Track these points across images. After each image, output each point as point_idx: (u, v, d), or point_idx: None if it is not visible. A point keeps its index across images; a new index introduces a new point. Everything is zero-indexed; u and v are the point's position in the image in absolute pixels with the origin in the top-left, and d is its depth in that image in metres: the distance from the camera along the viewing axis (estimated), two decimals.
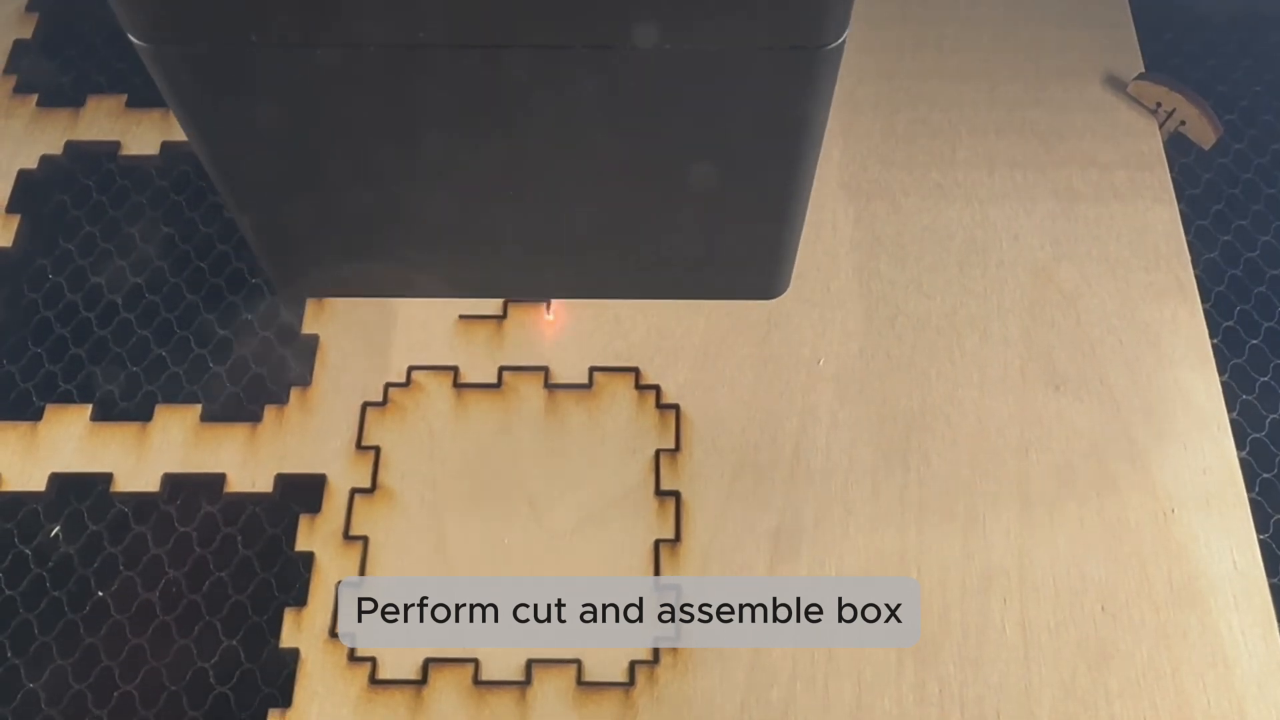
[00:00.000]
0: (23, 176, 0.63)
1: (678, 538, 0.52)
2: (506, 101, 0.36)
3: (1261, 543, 0.53)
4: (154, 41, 0.35)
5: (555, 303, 0.58)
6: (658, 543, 0.52)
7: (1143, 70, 0.66)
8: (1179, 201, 0.62)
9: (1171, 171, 0.63)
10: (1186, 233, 0.61)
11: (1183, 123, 0.64)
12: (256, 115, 0.37)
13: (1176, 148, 0.64)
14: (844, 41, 0.35)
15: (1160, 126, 0.64)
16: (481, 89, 0.36)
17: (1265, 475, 0.55)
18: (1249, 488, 0.54)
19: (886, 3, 0.69)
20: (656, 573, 0.52)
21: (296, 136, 0.38)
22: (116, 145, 0.64)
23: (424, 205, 0.42)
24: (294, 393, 0.57)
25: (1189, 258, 0.60)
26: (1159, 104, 0.64)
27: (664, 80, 0.35)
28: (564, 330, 0.58)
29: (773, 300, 0.58)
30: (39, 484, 0.54)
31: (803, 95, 0.37)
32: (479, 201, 0.42)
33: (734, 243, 0.45)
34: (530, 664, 0.50)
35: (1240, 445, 0.55)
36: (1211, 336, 0.58)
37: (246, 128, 0.38)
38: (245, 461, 0.55)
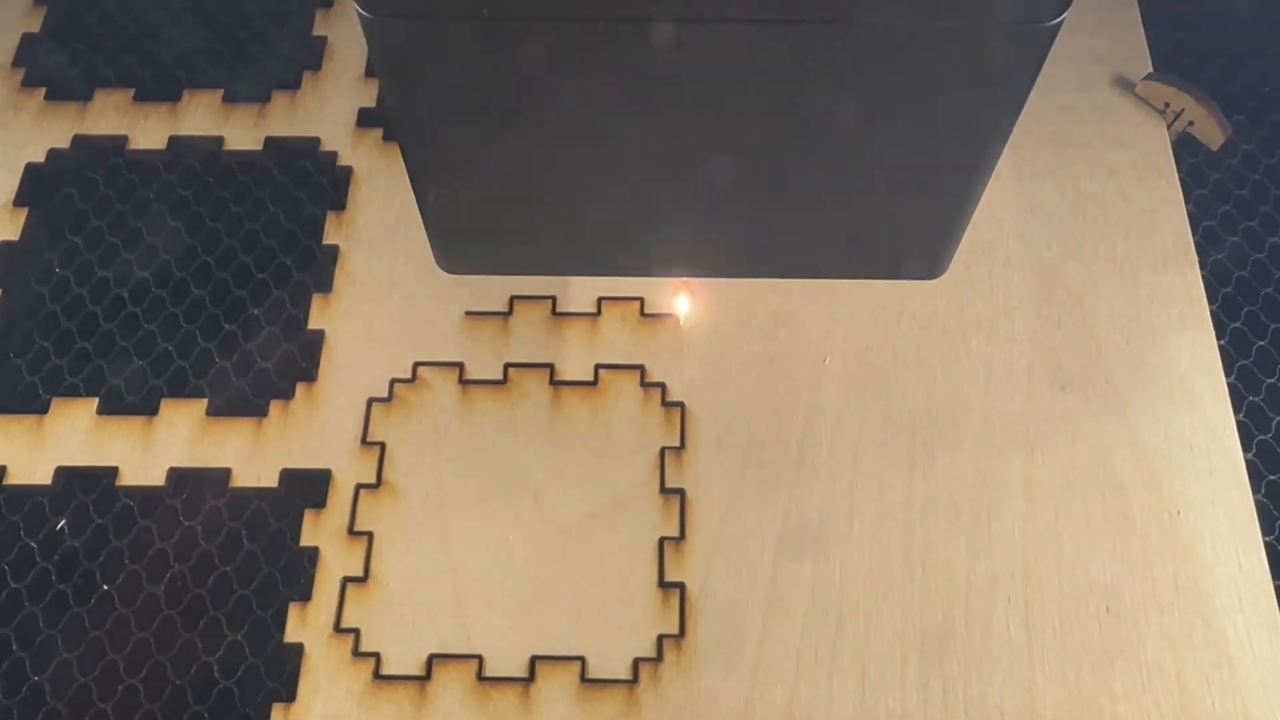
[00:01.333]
0: (30, 170, 0.64)
1: (682, 535, 0.52)
2: (717, 75, 0.37)
3: (1267, 544, 0.52)
4: (378, 12, 0.35)
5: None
6: (662, 540, 0.52)
7: (1151, 70, 0.66)
8: (1187, 202, 0.62)
9: (1179, 172, 0.63)
10: (1194, 233, 0.61)
11: (1191, 123, 0.63)
12: (463, 90, 0.38)
13: (1184, 148, 0.64)
14: (1064, 20, 0.35)
15: (1168, 127, 0.64)
16: (696, 63, 0.36)
17: (1271, 477, 0.55)
18: (1255, 489, 0.54)
19: None
20: (661, 570, 0.52)
21: (496, 113, 0.39)
22: (124, 139, 0.64)
23: (606, 185, 0.43)
24: (300, 388, 0.57)
25: (1196, 258, 0.60)
26: (1167, 104, 0.64)
27: (880, 57, 0.36)
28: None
29: (778, 299, 0.58)
30: (45, 477, 0.54)
31: (1015, 73, 0.37)
32: (660, 180, 0.42)
33: (907, 221, 0.45)
34: (534, 661, 0.50)
35: (1246, 447, 0.55)
36: (1218, 338, 0.58)
37: (449, 102, 0.39)
38: (251, 456, 0.55)
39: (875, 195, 0.43)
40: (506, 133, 0.40)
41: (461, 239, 0.48)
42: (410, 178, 0.44)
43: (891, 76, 0.37)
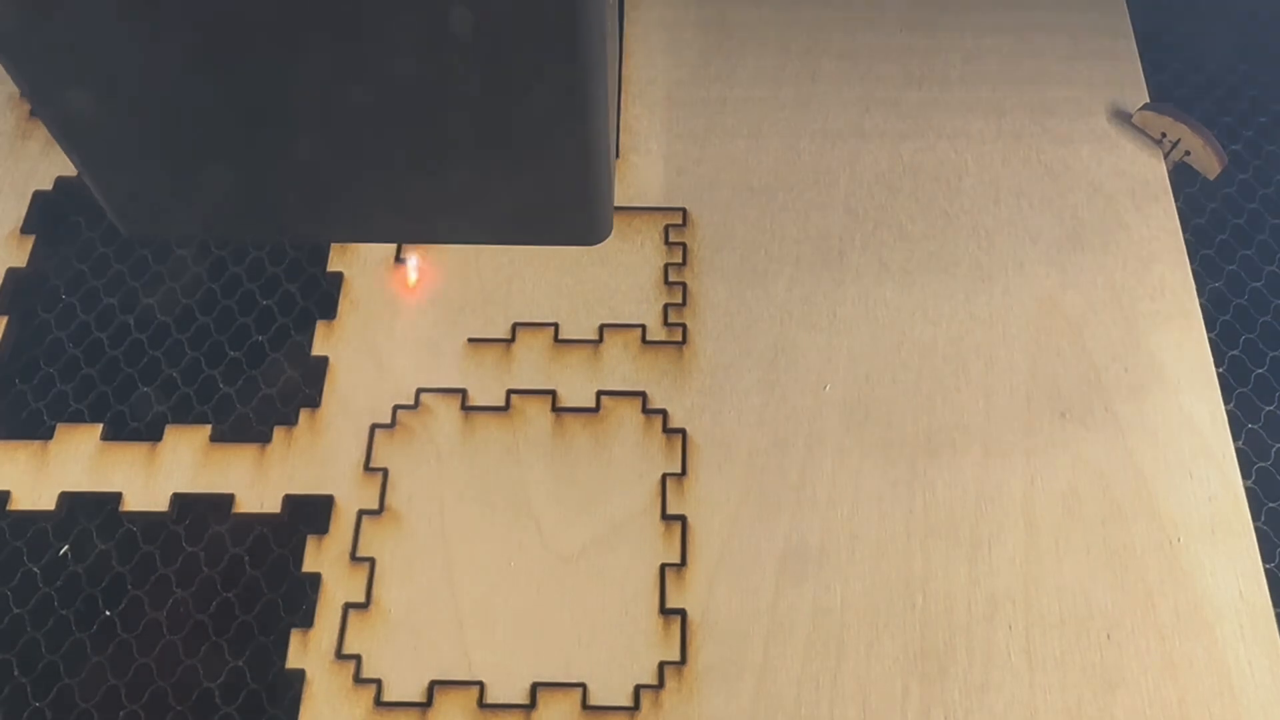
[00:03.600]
0: (38, 198, 0.64)
1: (684, 562, 0.53)
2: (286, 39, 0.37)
3: (1268, 572, 0.53)
4: None
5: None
6: (664, 567, 0.53)
7: (1147, 100, 0.66)
8: (1184, 231, 0.62)
9: (1177, 201, 0.63)
10: (1192, 262, 0.61)
11: (1187, 153, 0.64)
12: (74, 51, 0.38)
13: (1182, 177, 0.65)
14: None
15: (1165, 157, 0.65)
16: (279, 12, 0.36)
17: (1271, 504, 0.55)
18: (1255, 516, 0.54)
19: (893, 35, 0.69)
20: (662, 597, 0.52)
21: (112, 71, 0.39)
22: None
23: (234, 146, 0.42)
24: (303, 414, 0.57)
25: (1194, 287, 0.60)
26: (1164, 134, 0.65)
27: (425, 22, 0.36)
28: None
29: (778, 325, 0.58)
30: (49, 503, 0.55)
31: (554, 29, 0.36)
32: (285, 136, 0.42)
33: (541, 186, 0.45)
34: (535, 687, 0.50)
35: (1246, 474, 0.55)
36: (1217, 365, 0.58)
37: (66, 65, 0.38)
38: (254, 482, 0.55)
39: (493, 159, 0.43)
40: (120, 91, 0.40)
41: (131, 201, 0.46)
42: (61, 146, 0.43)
43: (444, 40, 0.37)
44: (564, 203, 0.46)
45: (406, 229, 0.50)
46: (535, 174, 0.44)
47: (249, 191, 0.45)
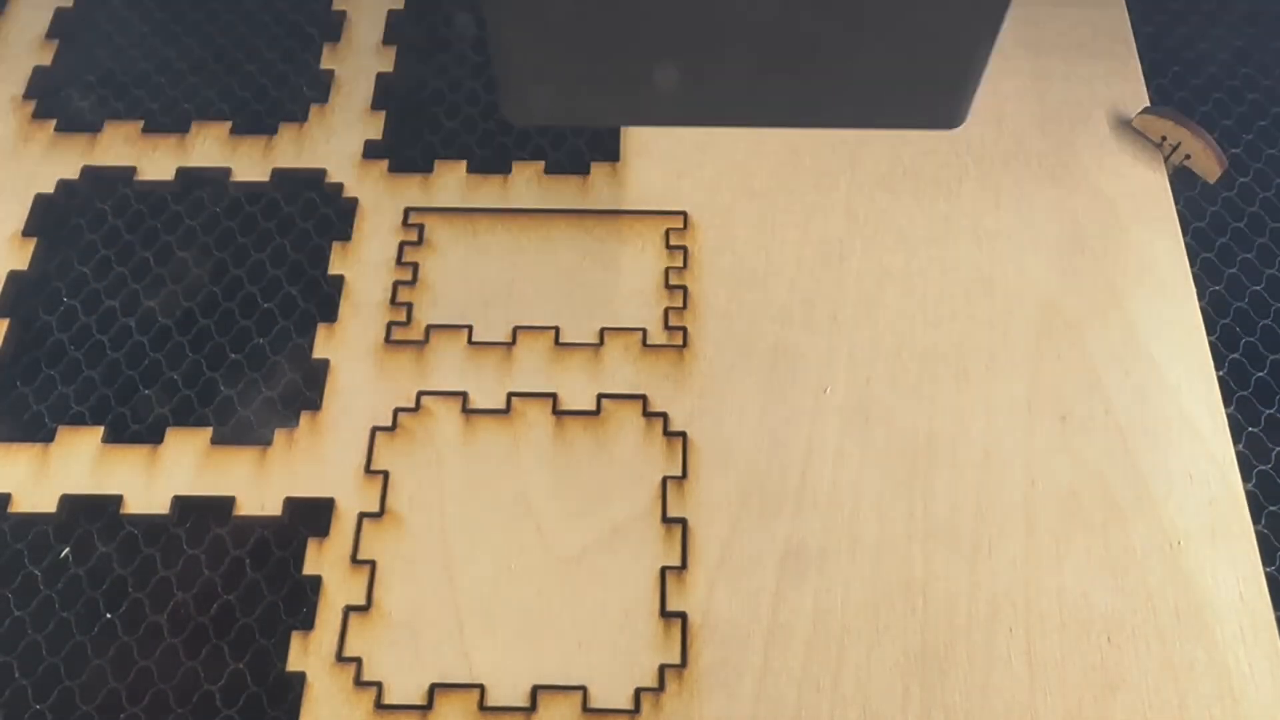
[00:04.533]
0: (40, 201, 0.64)
1: (684, 565, 0.53)
2: None
3: (1268, 575, 0.53)
4: None
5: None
6: (664, 569, 0.53)
7: (1147, 104, 0.67)
8: (1184, 234, 0.62)
9: (1177, 205, 0.63)
10: (1192, 265, 0.61)
11: (1188, 156, 0.64)
12: None
13: (1182, 181, 0.65)
14: None
15: (1165, 160, 0.65)
16: None
17: (1271, 508, 0.55)
18: (1255, 520, 0.54)
19: None
20: (663, 599, 0.52)
21: None
22: (132, 170, 0.65)
23: (671, 27, 0.42)
24: (304, 416, 0.57)
25: (1194, 290, 0.60)
26: (1164, 138, 0.65)
27: None
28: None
29: (779, 328, 0.58)
30: (50, 505, 0.55)
31: None
32: (705, 23, 0.42)
33: (923, 64, 0.45)
34: (535, 690, 0.50)
35: (1246, 478, 0.55)
36: (1217, 369, 0.58)
37: None
38: (255, 485, 0.55)
39: (890, 34, 0.43)
40: None
41: (534, 86, 0.46)
42: (489, 24, 0.43)
43: None
44: (934, 84, 0.46)
45: (769, 112, 0.49)
46: (918, 52, 0.43)
47: (663, 77, 0.45)
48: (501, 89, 0.46)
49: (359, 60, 0.69)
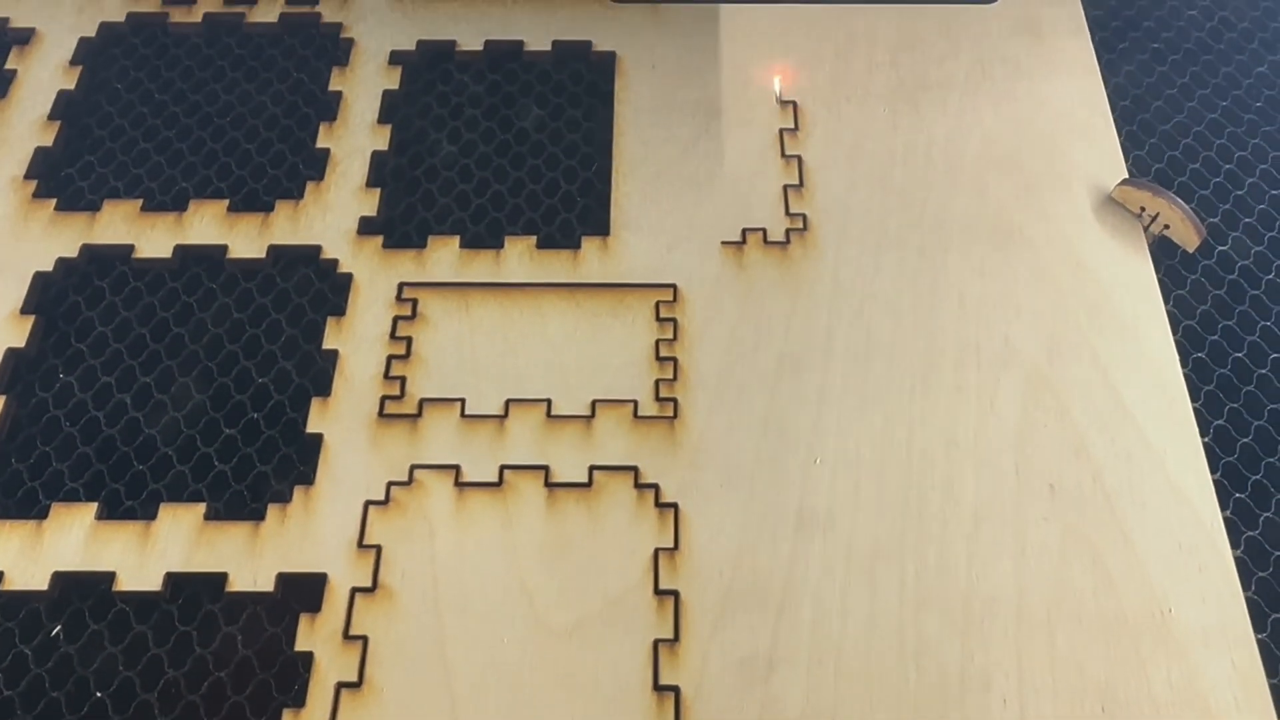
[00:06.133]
0: (39, 278, 0.65)
1: (676, 638, 0.53)
2: None
3: (1260, 642, 0.53)
4: None
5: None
6: (657, 642, 0.52)
7: (1126, 176, 0.68)
8: (1166, 302, 0.63)
9: (1158, 273, 0.64)
10: (1174, 333, 0.62)
11: (1167, 226, 0.65)
12: None
13: (1162, 250, 0.66)
14: None
15: (1145, 230, 0.66)
16: None
17: (1261, 574, 0.55)
18: (1245, 586, 0.54)
19: (877, 114, 0.71)
20: (655, 673, 0.52)
21: None
22: (131, 248, 0.66)
23: None
24: (298, 491, 0.57)
25: (1178, 357, 0.61)
26: (1143, 208, 0.66)
27: None
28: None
29: (768, 399, 0.59)
30: (42, 583, 0.55)
31: None
32: None
33: None
34: None
35: (1235, 544, 0.56)
36: (1202, 435, 0.59)
37: None
38: (247, 560, 0.55)
39: None
40: None
41: None
42: None
43: None
44: None
45: None
46: None
47: None
48: None
49: (354, 139, 0.70)
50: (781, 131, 0.70)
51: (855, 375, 0.60)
